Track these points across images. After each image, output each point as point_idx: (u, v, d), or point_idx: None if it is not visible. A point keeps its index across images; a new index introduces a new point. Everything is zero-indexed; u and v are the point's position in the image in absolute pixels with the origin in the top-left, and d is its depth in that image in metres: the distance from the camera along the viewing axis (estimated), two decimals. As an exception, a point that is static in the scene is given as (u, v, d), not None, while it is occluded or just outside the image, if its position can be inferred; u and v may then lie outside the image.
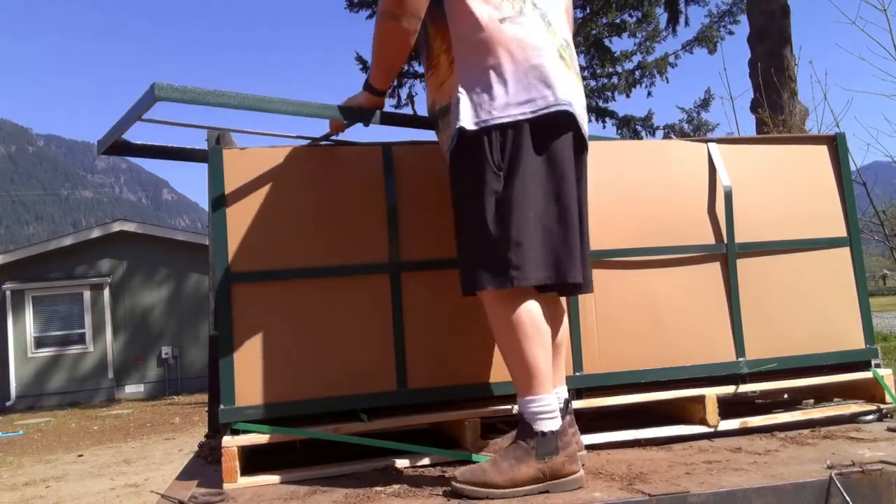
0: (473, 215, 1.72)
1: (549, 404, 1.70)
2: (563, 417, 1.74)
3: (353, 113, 1.98)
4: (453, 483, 1.66)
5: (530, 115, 1.71)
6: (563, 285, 1.79)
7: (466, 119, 1.72)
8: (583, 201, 1.87)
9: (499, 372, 2.11)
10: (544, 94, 1.72)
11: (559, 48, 1.81)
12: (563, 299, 2.02)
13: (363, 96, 1.97)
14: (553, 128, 1.73)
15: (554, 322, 1.87)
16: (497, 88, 1.72)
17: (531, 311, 1.71)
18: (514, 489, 1.64)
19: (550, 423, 1.68)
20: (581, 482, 1.68)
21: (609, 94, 17.37)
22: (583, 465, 1.78)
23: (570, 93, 1.77)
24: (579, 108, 1.80)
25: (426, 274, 2.10)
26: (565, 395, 1.90)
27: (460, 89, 1.76)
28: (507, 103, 1.71)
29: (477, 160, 1.71)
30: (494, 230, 1.68)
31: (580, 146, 1.85)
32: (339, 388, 2.02)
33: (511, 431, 1.88)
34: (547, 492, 1.65)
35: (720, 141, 2.43)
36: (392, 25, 1.80)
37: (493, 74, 1.73)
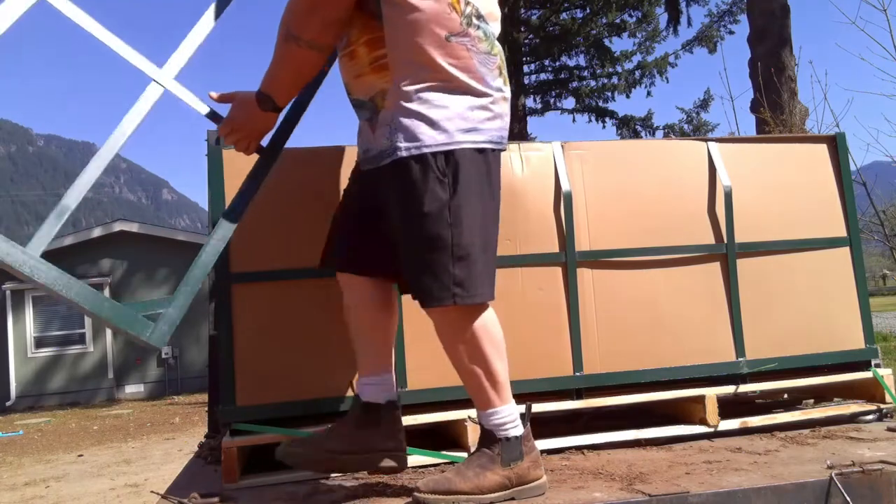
0: (427, 233, 1.60)
1: (511, 413, 1.68)
2: (524, 423, 1.71)
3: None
4: (416, 494, 1.59)
5: (479, 146, 1.63)
6: None
7: (411, 142, 1.59)
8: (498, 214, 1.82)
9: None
10: (493, 123, 1.67)
11: (500, 66, 1.72)
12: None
13: (269, 118, 1.74)
14: (494, 154, 1.69)
15: (392, 304, 1.86)
16: (443, 111, 1.60)
17: (487, 324, 1.67)
18: (481, 497, 1.60)
19: (514, 429, 1.66)
20: (545, 487, 1.67)
21: (609, 94, 17.40)
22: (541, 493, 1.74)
23: (503, 118, 1.71)
24: (506, 123, 1.74)
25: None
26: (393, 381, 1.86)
27: (405, 106, 1.61)
28: (455, 129, 1.61)
29: (425, 174, 1.59)
30: (453, 248, 1.59)
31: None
32: (339, 388, 2.02)
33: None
34: (513, 499, 1.62)
35: (720, 140, 2.43)
36: (291, 47, 1.64)
37: (440, 96, 1.61)
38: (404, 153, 1.59)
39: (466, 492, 1.59)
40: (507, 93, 1.73)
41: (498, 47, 1.72)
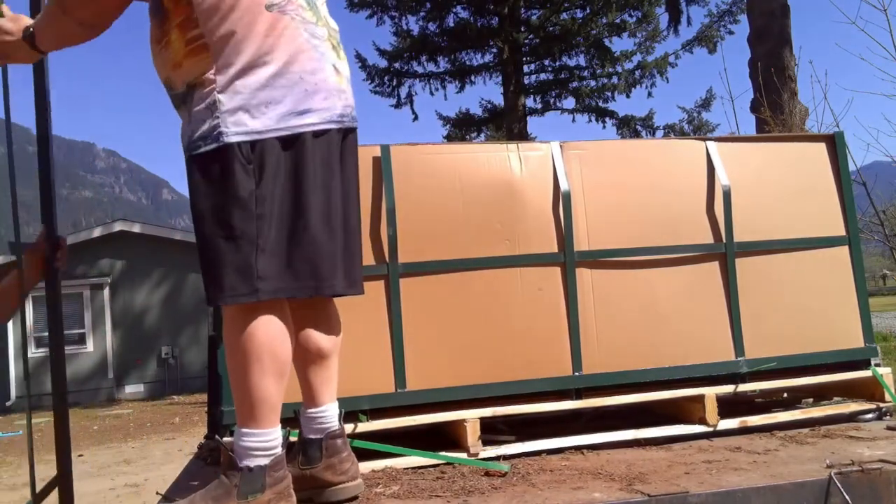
0: (216, 222, 1.47)
1: (269, 440, 1.49)
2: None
3: None
4: None
5: (295, 131, 1.49)
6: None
7: (221, 129, 1.46)
8: (348, 197, 1.64)
9: (499, 372, 2.11)
10: (313, 107, 1.51)
11: (329, 38, 1.59)
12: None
13: (25, 50, 1.64)
14: (314, 140, 1.52)
15: (323, 327, 1.69)
16: (254, 94, 1.46)
17: (269, 332, 1.48)
18: None
19: (260, 459, 1.47)
20: None
21: (609, 94, 17.40)
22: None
23: (340, 94, 1.57)
24: (349, 101, 1.59)
25: (422, 277, 2.10)
26: (335, 411, 1.71)
27: (215, 92, 1.47)
28: (268, 114, 1.47)
29: (230, 163, 1.46)
30: (240, 239, 1.45)
31: (346, 134, 1.62)
32: (340, 388, 2.01)
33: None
34: None
35: (719, 140, 2.43)
36: (60, 17, 1.56)
37: (252, 75, 1.47)
38: (216, 142, 1.46)
39: None
40: (343, 66, 1.60)
41: (325, 18, 1.60)
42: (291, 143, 1.49)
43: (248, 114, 1.47)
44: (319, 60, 1.54)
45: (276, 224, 1.48)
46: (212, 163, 1.47)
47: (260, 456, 1.48)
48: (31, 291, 1.90)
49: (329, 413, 1.69)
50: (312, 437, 1.68)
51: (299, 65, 1.50)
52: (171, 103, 1.61)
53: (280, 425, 1.52)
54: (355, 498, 1.66)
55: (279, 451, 1.50)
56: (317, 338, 1.68)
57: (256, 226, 1.45)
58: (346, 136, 1.62)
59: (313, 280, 1.51)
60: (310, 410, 1.69)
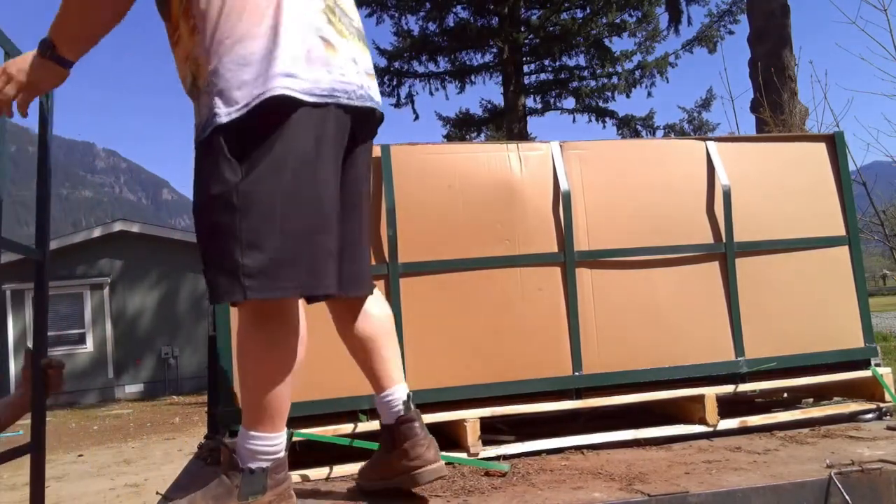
0: (203, 218, 1.42)
1: (273, 444, 1.47)
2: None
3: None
4: None
5: (275, 93, 1.38)
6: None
7: (215, 110, 1.40)
8: (356, 193, 1.58)
9: (498, 372, 2.11)
10: (293, 72, 1.40)
11: (325, 8, 1.50)
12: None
13: (49, 68, 1.53)
14: (309, 117, 1.41)
15: (365, 311, 1.66)
16: (238, 71, 1.38)
17: (278, 335, 1.44)
18: None
19: (262, 462, 1.46)
20: None
21: (609, 94, 17.40)
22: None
23: (339, 69, 1.46)
24: (350, 79, 1.48)
25: (422, 277, 2.10)
26: (401, 395, 1.67)
27: (208, 75, 1.42)
28: (252, 92, 1.38)
29: (215, 156, 1.39)
30: (224, 235, 1.37)
31: (359, 125, 1.54)
32: (339, 388, 2.01)
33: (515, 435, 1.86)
34: None
35: (719, 140, 2.43)
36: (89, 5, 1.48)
37: (236, 50, 1.40)
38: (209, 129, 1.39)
39: None
40: (337, 40, 1.49)
41: None
42: (273, 114, 1.38)
43: (231, 92, 1.39)
44: (301, 31, 1.43)
45: (263, 217, 1.37)
46: (205, 153, 1.41)
47: (263, 458, 1.46)
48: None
49: (395, 396, 1.66)
50: (386, 423, 1.68)
51: (278, 36, 1.40)
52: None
53: (286, 429, 1.50)
54: (432, 482, 1.63)
55: (282, 454, 1.49)
56: (363, 324, 1.66)
57: (240, 220, 1.36)
58: (359, 121, 1.52)
59: (310, 279, 1.41)
60: (379, 396, 1.69)
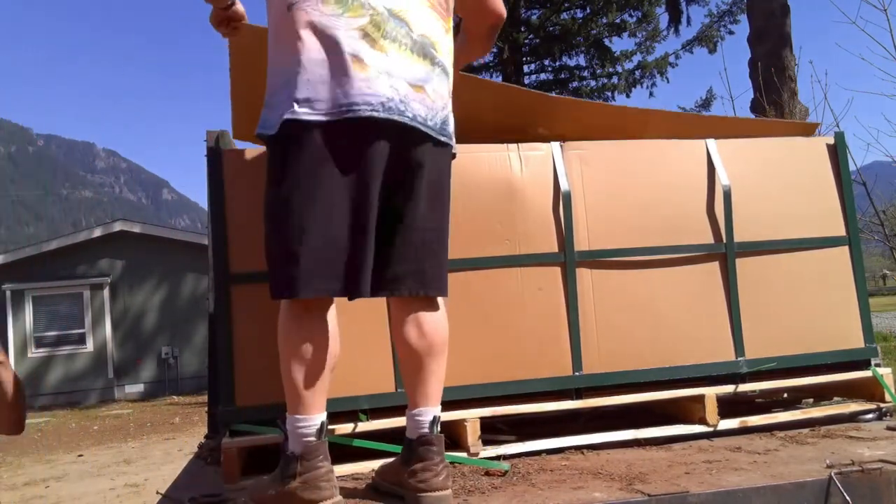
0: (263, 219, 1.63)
1: (300, 426, 1.55)
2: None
3: None
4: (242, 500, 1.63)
5: (308, 118, 1.53)
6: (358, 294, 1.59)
7: (262, 124, 1.63)
8: (398, 204, 1.62)
9: (498, 372, 2.11)
10: (311, 97, 1.53)
11: (369, 23, 1.57)
12: (441, 300, 1.75)
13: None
14: (338, 131, 1.54)
15: (417, 327, 1.67)
16: (281, 89, 1.58)
17: (303, 330, 1.57)
18: None
19: (293, 446, 1.56)
20: None
21: (609, 94, 17.39)
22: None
23: (364, 82, 1.54)
24: (377, 90, 1.54)
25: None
26: (429, 417, 1.66)
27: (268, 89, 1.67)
28: (290, 107, 1.54)
29: (267, 166, 1.63)
30: (272, 239, 1.59)
31: (396, 136, 1.58)
32: (339, 388, 2.01)
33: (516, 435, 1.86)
34: None
35: (719, 140, 2.42)
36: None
37: (278, 71, 1.61)
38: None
39: (266, 501, 1.58)
40: (371, 55, 1.56)
41: (360, 8, 1.57)
42: (299, 134, 1.55)
43: (267, 110, 1.62)
44: (327, 51, 1.55)
45: (268, 225, 1.60)
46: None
47: (293, 443, 1.56)
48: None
49: (424, 417, 1.66)
50: (409, 437, 1.68)
51: (304, 55, 1.55)
52: None
53: (316, 415, 1.57)
54: None
55: (312, 439, 1.55)
56: (408, 338, 1.67)
57: (278, 224, 1.57)
58: (396, 134, 1.57)
59: (337, 282, 1.56)
60: (409, 410, 1.69)
